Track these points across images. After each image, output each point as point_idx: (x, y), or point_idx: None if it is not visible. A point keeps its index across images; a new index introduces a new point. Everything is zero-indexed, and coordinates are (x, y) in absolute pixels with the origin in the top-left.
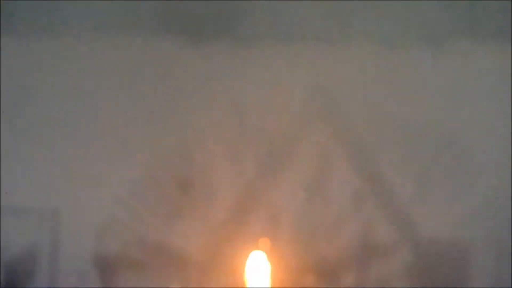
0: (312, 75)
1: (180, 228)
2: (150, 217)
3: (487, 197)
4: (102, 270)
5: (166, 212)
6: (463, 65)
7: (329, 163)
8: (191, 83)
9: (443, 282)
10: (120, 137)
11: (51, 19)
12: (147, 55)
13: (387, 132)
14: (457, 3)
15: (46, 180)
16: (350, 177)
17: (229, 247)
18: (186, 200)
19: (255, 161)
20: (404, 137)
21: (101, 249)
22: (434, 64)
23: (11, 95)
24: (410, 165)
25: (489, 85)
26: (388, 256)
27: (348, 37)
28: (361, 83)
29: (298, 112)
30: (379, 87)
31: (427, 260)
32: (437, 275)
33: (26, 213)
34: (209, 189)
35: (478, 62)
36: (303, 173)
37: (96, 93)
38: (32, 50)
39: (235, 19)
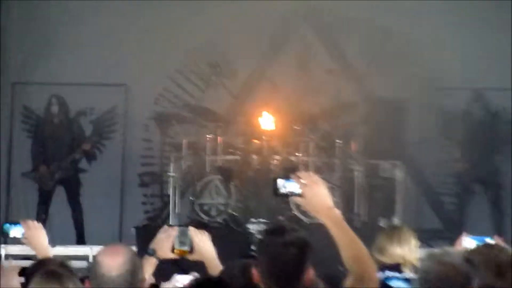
0: None
1: (212, 94)
2: (191, 88)
3: (420, 67)
4: (160, 123)
5: (202, 84)
6: None
7: (311, 51)
8: None
9: (386, 129)
10: (170, 33)
11: None
12: None
13: (353, 31)
14: None
15: (118, 61)
16: (326, 60)
17: (245, 107)
18: (215, 75)
19: (260, 49)
20: (363, 34)
21: (159, 110)
22: None
23: None
24: (366, 51)
25: None
26: (351, 110)
27: None
28: None
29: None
30: None
31: (377, 113)
32: (383, 124)
33: (105, 87)
34: (230, 68)
35: None
36: (294, 57)
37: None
38: None
39: None
